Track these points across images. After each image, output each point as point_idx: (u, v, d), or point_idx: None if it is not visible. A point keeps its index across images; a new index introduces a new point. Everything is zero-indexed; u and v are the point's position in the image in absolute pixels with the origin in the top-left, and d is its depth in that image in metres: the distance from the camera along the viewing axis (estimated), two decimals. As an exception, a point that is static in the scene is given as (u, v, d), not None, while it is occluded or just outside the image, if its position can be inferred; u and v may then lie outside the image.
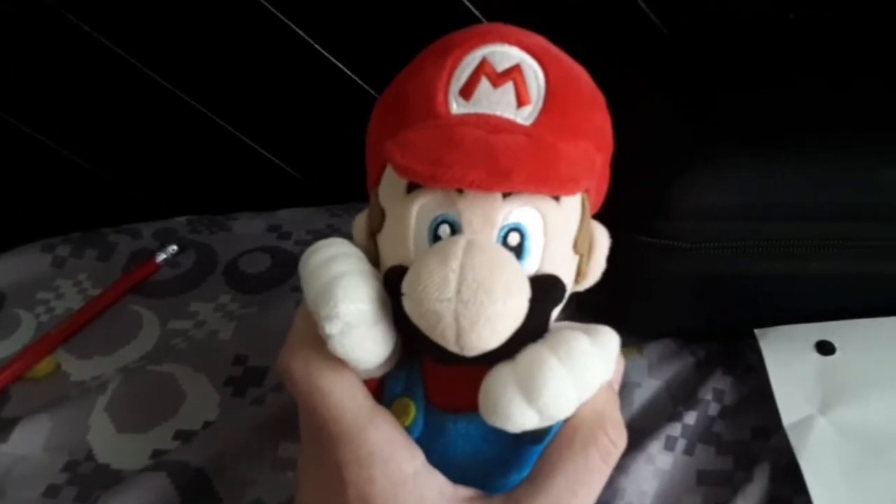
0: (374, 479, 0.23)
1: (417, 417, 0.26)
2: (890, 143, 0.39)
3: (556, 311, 0.26)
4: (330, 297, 0.23)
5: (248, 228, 0.53)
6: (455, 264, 0.22)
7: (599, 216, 0.40)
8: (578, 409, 0.24)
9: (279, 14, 0.51)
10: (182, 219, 0.54)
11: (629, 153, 0.41)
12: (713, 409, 0.39)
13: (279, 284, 0.48)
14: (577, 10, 0.52)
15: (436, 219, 0.24)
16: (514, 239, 0.24)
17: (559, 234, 0.25)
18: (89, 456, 0.39)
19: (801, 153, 0.39)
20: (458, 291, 0.22)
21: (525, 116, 0.25)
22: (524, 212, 0.24)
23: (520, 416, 0.23)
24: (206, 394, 0.41)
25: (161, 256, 0.50)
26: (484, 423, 0.24)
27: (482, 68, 0.25)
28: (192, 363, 0.43)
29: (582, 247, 0.26)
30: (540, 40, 0.26)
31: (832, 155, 0.39)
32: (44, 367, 0.44)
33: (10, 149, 0.57)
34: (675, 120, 0.42)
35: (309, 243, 0.50)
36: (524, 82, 0.25)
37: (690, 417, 0.38)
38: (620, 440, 0.25)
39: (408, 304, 0.23)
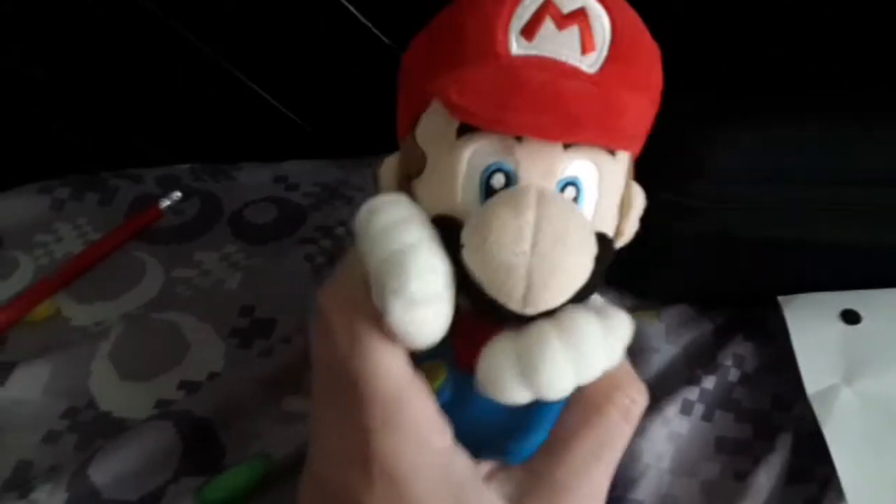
0: (403, 452, 0.22)
1: (447, 381, 0.24)
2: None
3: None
4: (400, 271, 0.21)
5: (254, 178, 0.52)
6: (530, 216, 0.21)
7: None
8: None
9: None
10: (185, 166, 0.53)
11: (659, 113, 0.40)
12: (733, 374, 0.38)
13: (286, 236, 0.47)
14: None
15: (490, 166, 0.23)
16: (570, 193, 0.23)
17: (611, 190, 0.24)
18: (90, 403, 0.38)
19: (821, 119, 0.38)
20: (535, 245, 0.21)
21: (590, 64, 0.23)
22: (583, 165, 0.23)
23: (513, 393, 0.22)
24: (212, 344, 0.40)
25: (165, 203, 0.48)
26: None
27: (546, 8, 0.23)
28: (197, 312, 0.41)
29: (626, 206, 0.25)
30: None
31: (862, 120, 0.38)
32: (43, 310, 0.42)
33: (10, 89, 0.55)
34: (696, 84, 0.40)
35: (317, 196, 0.50)
36: (590, 27, 0.23)
37: (709, 382, 0.38)
38: (640, 397, 0.24)
39: (472, 258, 0.22)
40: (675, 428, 0.36)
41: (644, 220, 0.39)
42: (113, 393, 0.38)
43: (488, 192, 0.23)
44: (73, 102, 0.56)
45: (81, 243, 0.46)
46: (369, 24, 0.53)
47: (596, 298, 0.24)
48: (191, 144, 0.58)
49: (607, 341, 0.22)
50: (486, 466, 0.24)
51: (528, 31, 0.23)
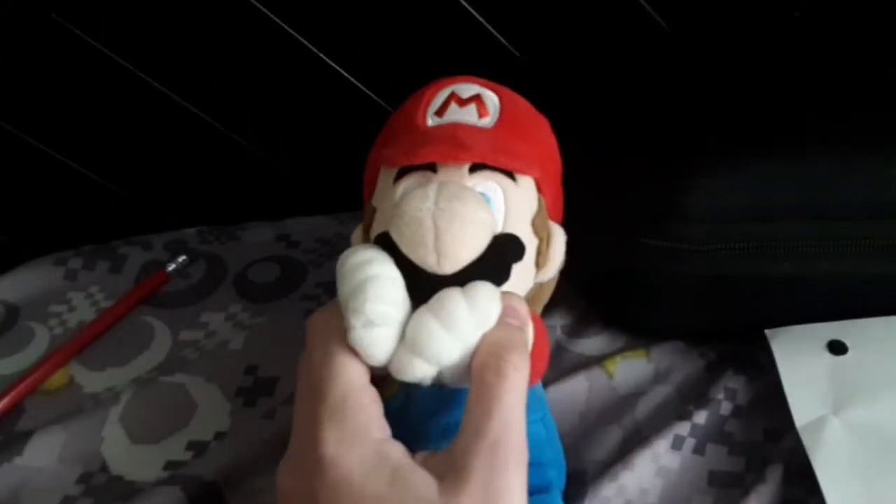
0: (344, 440, 0.26)
1: (400, 392, 0.30)
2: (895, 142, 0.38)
3: (518, 272, 0.29)
4: (360, 294, 0.27)
5: (257, 237, 0.54)
6: (432, 187, 0.28)
7: (607, 217, 0.40)
8: (476, 352, 0.27)
9: (283, 24, 0.51)
10: (192, 230, 0.55)
11: (637, 155, 0.41)
12: (725, 408, 0.39)
13: (288, 293, 0.48)
14: (581, 10, 0.52)
15: None
16: None
17: (517, 206, 0.30)
18: (103, 467, 0.39)
19: (809, 153, 0.38)
20: (437, 202, 0.27)
21: (485, 124, 0.31)
22: (488, 184, 0.30)
23: (413, 368, 0.27)
24: (218, 404, 0.41)
25: (171, 267, 0.50)
26: (433, 386, 0.28)
27: (452, 96, 0.32)
28: (204, 374, 0.43)
29: (540, 230, 0.31)
30: (497, 84, 0.33)
31: (841, 154, 0.38)
32: (57, 379, 0.44)
33: (23, 163, 0.58)
34: (680, 122, 0.41)
35: (317, 252, 0.52)
36: (483, 103, 0.32)
37: (701, 417, 0.38)
38: (508, 353, 0.26)
39: (393, 225, 0.28)
40: (664, 463, 0.36)
41: (631, 262, 0.40)
42: (124, 456, 0.39)
43: None
44: (84, 172, 0.59)
45: (94, 311, 0.48)
46: (362, 86, 0.55)
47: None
48: (198, 207, 0.60)
49: (470, 307, 0.27)
50: (422, 454, 0.27)
51: (440, 111, 0.31)
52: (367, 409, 0.27)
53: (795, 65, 0.44)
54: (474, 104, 0.31)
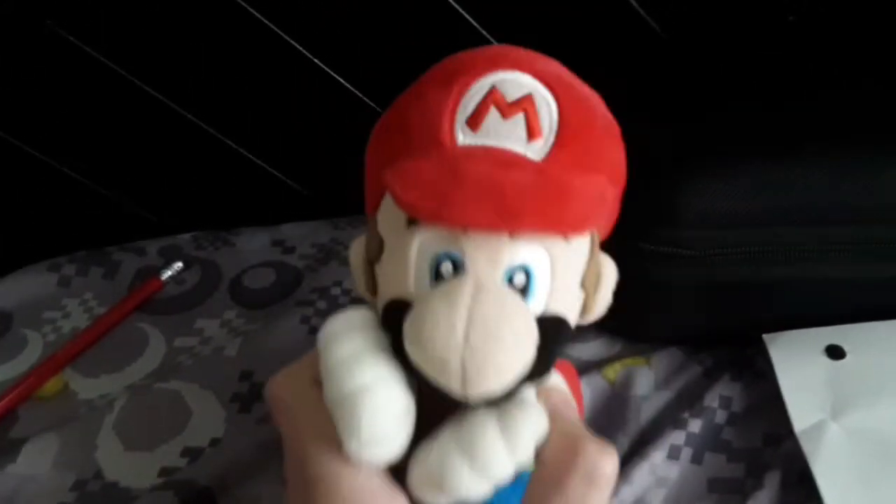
0: None
1: None
2: (889, 145, 0.38)
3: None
4: (353, 415, 0.22)
5: (252, 243, 0.53)
6: (463, 311, 0.21)
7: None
8: (549, 447, 0.23)
9: (277, 29, 0.51)
10: (187, 235, 0.55)
11: (633, 161, 0.41)
12: (720, 416, 0.39)
13: (283, 299, 0.48)
14: (576, 16, 0.52)
15: (438, 255, 0.23)
16: (520, 280, 0.23)
17: (567, 273, 0.24)
18: (97, 474, 0.39)
19: (805, 158, 0.38)
20: (467, 339, 0.21)
21: (536, 150, 0.23)
22: (532, 251, 0.23)
23: (432, 499, 0.23)
24: (213, 410, 0.41)
25: (166, 273, 0.50)
26: None
27: (491, 97, 0.23)
28: (199, 380, 0.43)
29: (589, 284, 0.25)
30: (554, 66, 0.25)
31: (837, 159, 0.38)
32: (51, 386, 0.44)
33: (16, 169, 0.57)
34: (678, 127, 0.41)
35: (313, 257, 0.52)
36: (536, 114, 0.23)
37: (695, 426, 0.38)
38: (602, 457, 0.23)
39: (412, 349, 0.22)
40: (661, 474, 0.36)
41: (628, 268, 0.40)
42: (118, 463, 0.39)
43: (438, 278, 0.23)
44: (78, 178, 0.58)
45: (88, 318, 0.48)
46: (357, 92, 0.55)
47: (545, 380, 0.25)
48: (193, 213, 0.60)
49: (507, 443, 0.22)
50: None
51: (474, 121, 0.23)
52: (366, 481, 0.23)
53: (790, 69, 0.44)
54: (522, 115, 0.23)
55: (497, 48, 0.25)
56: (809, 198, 0.38)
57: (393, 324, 0.23)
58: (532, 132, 0.23)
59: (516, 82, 0.24)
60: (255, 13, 0.51)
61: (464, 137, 0.23)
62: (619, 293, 0.42)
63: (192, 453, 0.39)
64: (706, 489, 0.36)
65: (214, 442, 0.40)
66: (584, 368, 0.42)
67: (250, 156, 0.58)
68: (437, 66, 0.25)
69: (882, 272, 0.38)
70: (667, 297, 0.40)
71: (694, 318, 0.41)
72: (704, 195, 0.38)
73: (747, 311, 0.41)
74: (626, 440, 0.38)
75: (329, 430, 0.23)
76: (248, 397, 0.42)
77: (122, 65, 0.53)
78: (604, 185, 0.25)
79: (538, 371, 0.23)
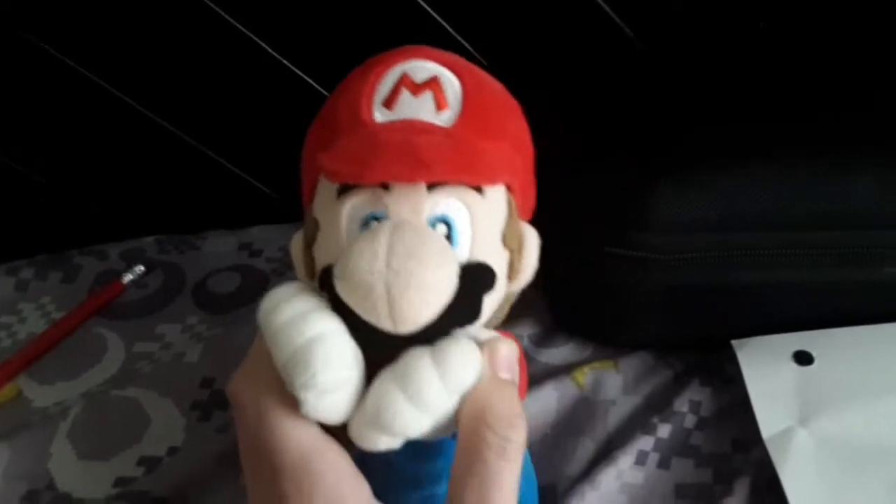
0: None
1: None
2: (860, 151, 0.38)
3: (488, 301, 0.25)
4: (307, 366, 0.23)
5: (218, 247, 0.52)
6: (383, 240, 0.23)
7: (573, 226, 0.40)
8: (460, 418, 0.23)
9: (245, 30, 0.50)
10: (150, 238, 0.53)
11: (603, 165, 0.41)
12: (689, 420, 0.38)
13: (248, 303, 0.47)
14: (552, 25, 0.52)
15: (366, 216, 0.25)
16: (441, 230, 0.25)
17: (485, 224, 0.26)
18: (50, 485, 0.37)
19: (772, 164, 0.38)
20: (388, 262, 0.23)
21: (444, 120, 0.26)
22: (450, 203, 0.25)
23: (373, 441, 0.23)
24: (172, 419, 0.40)
25: (127, 277, 0.49)
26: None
27: (402, 81, 0.26)
28: (158, 387, 0.41)
29: (511, 241, 0.27)
30: (456, 58, 0.28)
31: (804, 165, 0.38)
32: (4, 393, 0.42)
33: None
34: (646, 132, 0.41)
35: (280, 261, 0.51)
36: (442, 90, 0.26)
37: (664, 430, 0.38)
38: (513, 432, 0.23)
39: (339, 285, 0.24)
40: (628, 479, 0.36)
41: (596, 272, 0.40)
42: (72, 473, 0.38)
43: None
44: (42, 183, 0.57)
45: (45, 323, 0.47)
46: (327, 94, 0.54)
47: (481, 331, 0.25)
48: (157, 216, 0.58)
49: (440, 374, 0.23)
50: None
51: (389, 101, 0.26)
52: (335, 474, 0.23)
53: (760, 75, 0.44)
54: (430, 92, 0.26)
55: (409, 46, 0.28)
56: (779, 203, 0.38)
57: (328, 284, 0.24)
58: (440, 104, 0.26)
59: (423, 67, 0.27)
60: (222, 14, 0.50)
61: (381, 116, 0.26)
62: (587, 298, 0.42)
63: (149, 463, 0.38)
64: (674, 495, 0.35)
65: (172, 451, 0.38)
66: (554, 373, 0.41)
67: (218, 158, 0.57)
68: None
69: (850, 277, 0.38)
70: (635, 303, 0.40)
71: (663, 324, 0.41)
72: (673, 199, 0.38)
73: (716, 316, 0.40)
74: (593, 445, 0.38)
75: (298, 417, 0.23)
76: (208, 405, 0.41)
77: (84, 65, 0.51)
78: (511, 152, 0.27)
79: (465, 314, 0.24)
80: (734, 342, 0.39)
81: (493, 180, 0.26)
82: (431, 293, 0.23)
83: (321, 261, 0.26)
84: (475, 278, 0.25)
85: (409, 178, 0.24)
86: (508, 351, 0.25)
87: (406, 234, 0.23)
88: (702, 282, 0.38)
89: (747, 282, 0.38)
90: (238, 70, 0.53)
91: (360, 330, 0.24)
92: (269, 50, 0.52)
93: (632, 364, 0.42)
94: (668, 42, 0.51)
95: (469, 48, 0.52)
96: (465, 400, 0.23)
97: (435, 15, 0.50)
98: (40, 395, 0.42)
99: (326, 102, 0.28)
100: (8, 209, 0.58)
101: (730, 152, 0.39)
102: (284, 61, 0.52)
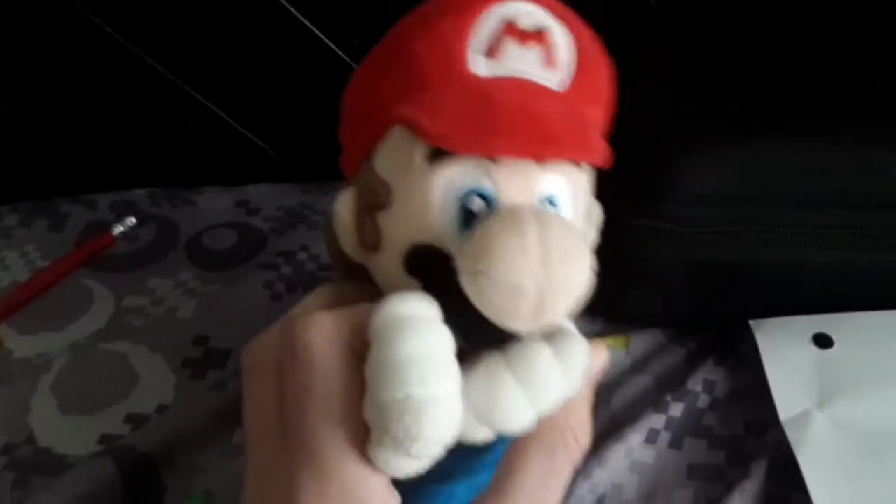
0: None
1: None
2: (894, 128, 0.37)
3: None
4: (411, 430, 0.19)
5: (214, 203, 0.51)
6: (534, 236, 0.20)
7: (598, 197, 0.38)
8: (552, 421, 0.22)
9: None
10: (142, 190, 0.51)
11: (628, 134, 0.39)
12: (703, 400, 0.37)
13: (245, 262, 0.45)
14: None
15: (467, 191, 0.22)
16: (549, 210, 0.22)
17: (581, 202, 0.24)
18: (29, 438, 0.36)
19: (803, 139, 0.37)
20: (544, 264, 0.20)
21: (557, 83, 0.23)
22: (556, 181, 0.23)
23: (474, 433, 0.22)
24: (162, 375, 0.38)
25: (118, 229, 0.46)
26: None
27: (507, 26, 0.22)
28: (148, 342, 0.40)
29: (590, 217, 0.25)
30: (564, 6, 0.25)
31: (837, 141, 0.37)
32: (-16, 342, 0.40)
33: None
34: (674, 101, 0.40)
35: (279, 220, 0.49)
36: (553, 45, 0.23)
37: (677, 409, 0.36)
38: (584, 439, 0.23)
39: (475, 284, 0.20)
40: (638, 458, 0.35)
41: (618, 242, 0.38)
42: (54, 428, 0.36)
43: (467, 216, 0.22)
44: (30, 126, 0.54)
45: (28, 271, 0.44)
46: (335, 48, 0.52)
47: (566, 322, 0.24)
48: (153, 169, 0.56)
49: (561, 369, 0.21)
50: None
51: (491, 51, 0.22)
52: (365, 474, 0.20)
53: (793, 46, 0.42)
54: (539, 45, 0.23)
55: None
56: (805, 179, 0.36)
57: (423, 270, 0.22)
58: (550, 63, 0.23)
59: (529, 13, 0.23)
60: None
61: (483, 68, 0.22)
62: (606, 270, 0.41)
63: (136, 420, 0.36)
64: (686, 475, 0.34)
65: (161, 409, 0.37)
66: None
67: (218, 111, 0.55)
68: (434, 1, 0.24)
69: (875, 260, 0.37)
70: (653, 276, 0.39)
71: (681, 299, 0.39)
72: (696, 170, 0.36)
73: (734, 293, 0.39)
74: (596, 425, 0.36)
75: (353, 411, 0.20)
76: (201, 363, 0.39)
77: (85, 4, 0.49)
78: (607, 118, 0.25)
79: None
80: (752, 322, 0.38)
81: (603, 158, 0.23)
82: (579, 296, 0.21)
83: (401, 237, 0.22)
84: None
85: (538, 155, 0.22)
86: (605, 359, 0.24)
87: (556, 230, 0.21)
88: (723, 257, 0.37)
89: (770, 260, 0.37)
90: (247, 21, 0.50)
91: (462, 319, 0.21)
92: (282, 1, 0.49)
93: (644, 341, 0.40)
94: (690, 10, 0.49)
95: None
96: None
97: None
98: (22, 345, 0.41)
99: (393, 41, 0.24)
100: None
101: (759, 126, 0.37)
102: (293, 10, 0.50)
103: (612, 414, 0.37)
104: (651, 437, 0.35)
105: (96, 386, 0.37)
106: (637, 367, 0.39)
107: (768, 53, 0.42)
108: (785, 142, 0.37)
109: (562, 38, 0.23)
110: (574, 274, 0.21)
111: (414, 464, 0.20)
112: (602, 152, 0.23)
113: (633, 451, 0.35)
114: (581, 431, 0.23)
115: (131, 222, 0.47)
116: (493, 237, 0.20)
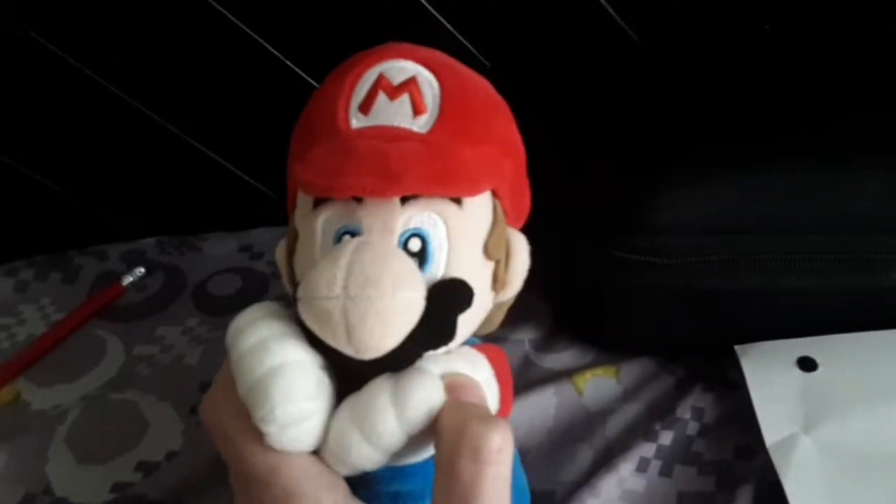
0: None
1: None
2: (868, 155, 0.38)
3: (467, 318, 0.25)
4: (265, 399, 0.22)
5: (219, 249, 0.52)
6: (343, 262, 0.22)
7: (578, 229, 0.39)
8: (441, 433, 0.22)
9: (249, 30, 0.50)
10: (151, 240, 0.53)
11: (607, 167, 0.40)
12: (692, 427, 0.38)
13: (248, 306, 0.47)
14: (549, 18, 0.51)
15: (339, 230, 0.24)
16: (415, 244, 0.24)
17: (464, 237, 0.25)
18: (47, 489, 0.37)
19: (778, 167, 0.38)
20: (346, 287, 0.22)
21: (421, 125, 0.25)
22: (424, 217, 0.24)
23: (341, 468, 0.24)
24: (170, 422, 0.40)
25: (127, 279, 0.48)
26: None
27: (379, 83, 0.25)
28: (157, 390, 0.41)
29: (495, 252, 0.26)
30: (437, 54, 0.27)
31: (811, 169, 0.38)
32: (3, 395, 0.42)
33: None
34: (650, 134, 0.41)
35: (280, 263, 0.50)
36: (420, 92, 0.25)
37: (667, 437, 0.37)
38: (495, 435, 0.21)
39: (301, 310, 0.23)
40: (629, 486, 0.35)
41: (599, 275, 0.39)
42: (69, 478, 0.37)
43: None
44: (39, 178, 0.57)
45: (44, 324, 0.46)
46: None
47: (454, 351, 0.25)
48: (159, 217, 0.58)
49: (402, 422, 0.22)
50: None
51: (365, 106, 0.25)
52: (304, 469, 0.23)
53: (766, 77, 0.43)
54: (407, 95, 0.25)
55: (387, 44, 0.27)
56: (784, 207, 0.37)
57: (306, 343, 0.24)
58: (417, 108, 0.25)
59: (401, 68, 0.26)
60: (226, 13, 0.50)
61: (357, 122, 0.25)
62: (589, 302, 0.42)
63: (146, 468, 0.38)
64: (676, 502, 0.35)
65: (170, 456, 0.38)
66: (556, 378, 0.41)
67: (220, 159, 0.57)
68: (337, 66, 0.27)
69: (855, 284, 0.38)
70: (639, 306, 0.40)
71: (667, 329, 0.40)
72: (679, 203, 0.37)
73: (720, 321, 0.40)
74: (591, 452, 0.37)
75: (257, 432, 0.23)
76: (207, 408, 0.40)
77: (86, 65, 0.51)
78: (496, 155, 0.26)
79: (436, 337, 0.24)
80: (737, 347, 0.39)
81: (472, 190, 0.24)
82: (392, 320, 0.22)
83: (298, 272, 0.25)
84: (448, 298, 0.24)
85: (379, 193, 0.23)
86: (468, 385, 0.23)
87: (366, 256, 0.22)
88: (706, 286, 0.38)
89: (752, 287, 0.38)
90: (241, 71, 0.52)
91: (329, 353, 0.23)
92: (273, 51, 0.51)
93: (633, 370, 0.41)
94: (671, 42, 0.50)
95: (471, 47, 0.52)
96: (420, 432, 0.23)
97: (430, 8, 0.50)
98: (39, 397, 0.42)
99: (305, 108, 0.27)
100: (7, 209, 0.58)
101: (736, 156, 0.38)
102: (288, 62, 0.52)
103: (607, 442, 0.38)
104: (642, 466, 0.36)
105: (108, 435, 0.39)
106: (629, 395, 0.40)
107: (744, 84, 0.43)
108: (759, 171, 0.38)
109: (430, 85, 0.25)
110: (376, 298, 0.22)
111: (290, 433, 0.23)
112: (469, 187, 0.24)
113: (625, 480, 0.36)
114: (483, 429, 0.21)
115: (140, 272, 0.49)
116: (315, 266, 0.23)
